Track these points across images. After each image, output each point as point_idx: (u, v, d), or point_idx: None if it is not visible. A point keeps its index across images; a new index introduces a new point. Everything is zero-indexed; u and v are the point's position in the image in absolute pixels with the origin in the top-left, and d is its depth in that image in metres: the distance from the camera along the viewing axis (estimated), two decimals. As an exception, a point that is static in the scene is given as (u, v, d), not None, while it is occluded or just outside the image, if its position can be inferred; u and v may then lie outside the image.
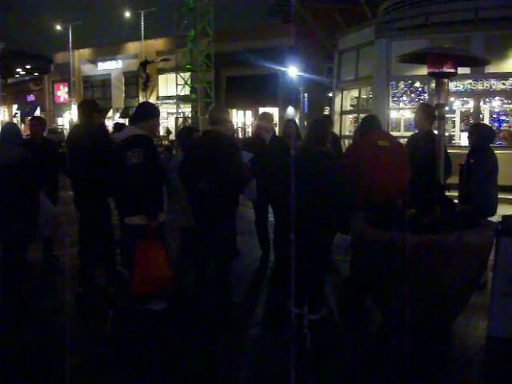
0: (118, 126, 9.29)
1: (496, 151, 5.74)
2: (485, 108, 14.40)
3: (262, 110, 38.89)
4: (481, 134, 5.65)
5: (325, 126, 5.19)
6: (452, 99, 14.26)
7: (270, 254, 6.79)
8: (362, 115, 17.38)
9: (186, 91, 31.41)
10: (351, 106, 18.14)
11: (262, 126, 6.51)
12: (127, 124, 9.85)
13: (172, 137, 30.33)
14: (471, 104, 14.37)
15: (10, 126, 5.69)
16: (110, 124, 42.48)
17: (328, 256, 5.10)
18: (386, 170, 5.00)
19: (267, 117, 6.60)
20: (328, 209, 4.73)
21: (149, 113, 4.78)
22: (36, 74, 48.84)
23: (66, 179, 6.19)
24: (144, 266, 4.45)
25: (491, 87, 13.84)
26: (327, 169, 4.80)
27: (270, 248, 6.81)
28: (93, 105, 5.80)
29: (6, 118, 50.95)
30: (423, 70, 5.85)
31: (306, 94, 30.28)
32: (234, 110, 39.29)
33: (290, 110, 33.15)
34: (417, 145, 5.69)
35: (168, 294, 5.00)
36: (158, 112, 4.92)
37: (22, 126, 47.43)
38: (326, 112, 24.89)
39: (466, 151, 5.87)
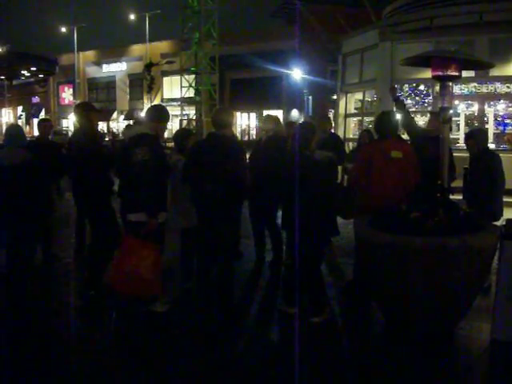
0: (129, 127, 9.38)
1: (500, 155, 5.73)
2: (489, 111, 14.37)
3: (266, 112, 39.05)
4: (477, 140, 5.69)
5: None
6: (456, 102, 14.24)
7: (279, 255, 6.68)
8: (366, 118, 17.42)
9: (191, 93, 31.49)
10: (355, 108, 18.14)
11: (262, 127, 7.15)
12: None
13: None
14: (476, 107, 14.35)
15: (14, 128, 5.71)
16: (115, 126, 42.77)
17: (320, 254, 5.08)
18: (394, 182, 4.99)
19: (266, 119, 6.97)
20: (321, 210, 4.77)
21: (160, 116, 4.90)
22: (41, 75, 49.02)
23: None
24: (128, 263, 4.37)
25: (496, 90, 13.81)
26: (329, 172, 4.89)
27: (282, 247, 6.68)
28: (90, 106, 5.88)
29: (11, 120, 51.21)
30: (427, 73, 5.86)
31: (310, 97, 30.30)
32: (239, 113, 39.37)
33: (295, 113, 33.19)
34: (428, 150, 5.67)
35: (172, 297, 5.02)
36: (168, 118, 5.04)
37: (27, 127, 47.65)
38: (330, 115, 24.88)
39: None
